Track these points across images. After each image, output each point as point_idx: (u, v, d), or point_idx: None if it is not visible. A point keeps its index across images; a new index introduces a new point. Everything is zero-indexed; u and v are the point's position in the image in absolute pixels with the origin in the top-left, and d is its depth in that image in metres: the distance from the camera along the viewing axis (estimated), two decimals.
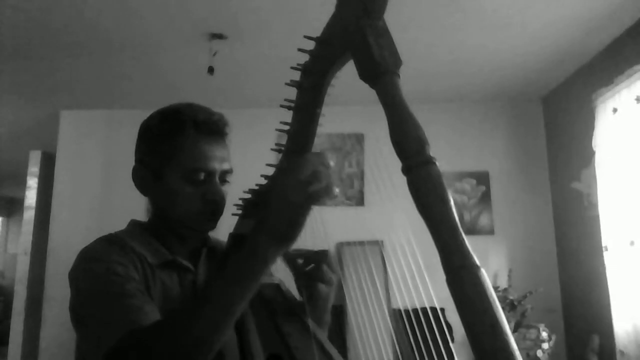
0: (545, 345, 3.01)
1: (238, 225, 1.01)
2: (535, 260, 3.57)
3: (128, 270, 0.85)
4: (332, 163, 0.73)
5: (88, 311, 0.83)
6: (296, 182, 0.69)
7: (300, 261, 0.95)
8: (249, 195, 0.97)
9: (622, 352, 2.56)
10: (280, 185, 0.71)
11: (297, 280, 0.97)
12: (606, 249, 2.71)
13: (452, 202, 0.56)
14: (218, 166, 0.94)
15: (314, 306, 0.95)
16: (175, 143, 0.93)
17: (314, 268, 0.93)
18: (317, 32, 0.79)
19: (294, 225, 0.70)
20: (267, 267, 0.72)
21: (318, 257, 0.92)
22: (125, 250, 0.89)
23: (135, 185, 0.98)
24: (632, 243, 2.54)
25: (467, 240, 0.54)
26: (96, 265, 0.84)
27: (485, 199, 3.69)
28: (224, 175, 0.97)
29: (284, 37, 2.69)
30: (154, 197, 0.98)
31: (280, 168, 0.79)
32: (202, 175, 0.92)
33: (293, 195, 0.69)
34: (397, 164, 0.60)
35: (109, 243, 0.91)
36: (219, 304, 0.72)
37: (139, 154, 0.99)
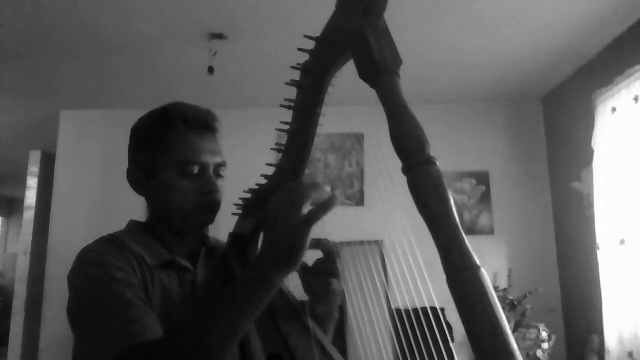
0: (545, 345, 3.01)
1: (238, 225, 1.01)
2: (535, 260, 3.57)
3: (127, 275, 0.85)
4: (327, 187, 0.73)
5: (87, 318, 0.82)
6: (287, 208, 0.69)
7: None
8: (249, 195, 0.97)
9: (608, 351, 2.59)
10: (274, 213, 0.71)
11: (304, 277, 0.96)
12: (599, 248, 2.72)
13: (452, 202, 0.56)
14: (211, 159, 0.95)
15: (326, 302, 0.95)
16: (166, 139, 0.94)
17: (326, 263, 0.93)
18: (317, 32, 0.79)
19: (295, 250, 0.69)
20: (273, 293, 0.73)
21: (327, 247, 0.92)
22: (124, 253, 0.89)
23: (131, 186, 0.99)
24: (622, 242, 2.55)
25: (467, 240, 0.54)
26: (96, 270, 0.84)
27: (485, 199, 3.69)
28: (218, 168, 0.97)
29: (284, 37, 2.69)
30: (151, 196, 0.98)
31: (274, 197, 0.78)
32: (195, 169, 0.93)
33: (288, 222, 0.68)
34: (397, 163, 0.60)
35: (108, 245, 0.91)
36: (225, 331, 0.73)
37: (132, 155, 1.00)
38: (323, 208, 0.69)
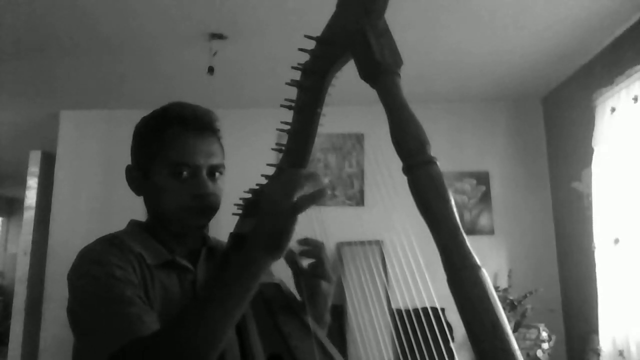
0: (545, 345, 3.01)
1: (238, 225, 1.01)
2: (535, 260, 3.57)
3: (127, 274, 0.85)
4: (323, 177, 0.75)
5: (86, 316, 0.83)
6: (280, 194, 0.71)
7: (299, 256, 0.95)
8: (249, 195, 0.97)
9: (601, 349, 2.60)
10: (265, 198, 0.73)
11: (296, 279, 0.97)
12: (595, 247, 2.73)
13: (452, 202, 0.56)
14: (204, 160, 0.93)
15: (314, 304, 0.95)
16: (161, 140, 0.93)
17: (315, 264, 0.93)
18: (317, 32, 0.79)
19: (282, 234, 0.72)
20: (259, 277, 0.74)
21: (317, 250, 0.93)
22: (124, 252, 0.89)
23: (129, 186, 0.99)
24: (616, 241, 2.55)
25: (468, 240, 0.54)
26: (95, 269, 0.84)
27: (485, 199, 3.69)
28: (214, 169, 0.96)
29: (284, 37, 2.69)
30: (145, 196, 0.99)
31: (267, 183, 0.82)
32: (186, 170, 0.92)
33: (278, 206, 0.71)
34: (397, 163, 0.60)
35: (109, 244, 0.91)
36: (215, 314, 0.73)
37: (131, 155, 1.00)
38: (312, 198, 0.71)
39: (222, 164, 0.98)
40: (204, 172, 0.94)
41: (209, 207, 0.95)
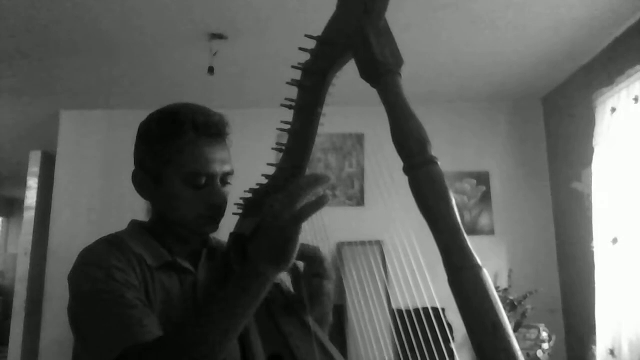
0: (545, 345, 3.01)
1: (238, 225, 1.01)
2: (535, 260, 3.57)
3: (127, 276, 0.85)
4: (330, 176, 0.75)
5: (87, 319, 0.83)
6: (281, 204, 0.71)
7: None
8: (249, 195, 0.97)
9: (594, 348, 2.60)
10: (267, 210, 0.73)
11: (295, 280, 0.97)
12: (593, 247, 2.73)
13: (453, 202, 0.56)
14: (219, 169, 0.92)
15: (317, 304, 0.95)
16: (174, 146, 0.91)
17: (313, 264, 0.93)
18: (317, 32, 0.79)
19: (286, 245, 0.71)
20: (267, 289, 0.74)
21: (314, 252, 0.92)
22: (125, 253, 0.88)
23: (135, 188, 0.97)
24: (614, 240, 2.55)
25: (468, 240, 0.54)
26: (96, 270, 0.84)
27: (485, 199, 3.69)
28: (225, 177, 0.95)
29: (284, 37, 2.69)
30: (155, 201, 0.97)
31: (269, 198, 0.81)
32: (202, 179, 0.91)
33: (279, 217, 0.70)
34: (397, 163, 0.60)
35: (109, 245, 0.90)
36: (221, 326, 0.73)
37: (137, 156, 0.97)
38: (313, 206, 0.70)
39: (232, 171, 0.97)
40: (218, 180, 0.93)
41: (221, 214, 0.95)
